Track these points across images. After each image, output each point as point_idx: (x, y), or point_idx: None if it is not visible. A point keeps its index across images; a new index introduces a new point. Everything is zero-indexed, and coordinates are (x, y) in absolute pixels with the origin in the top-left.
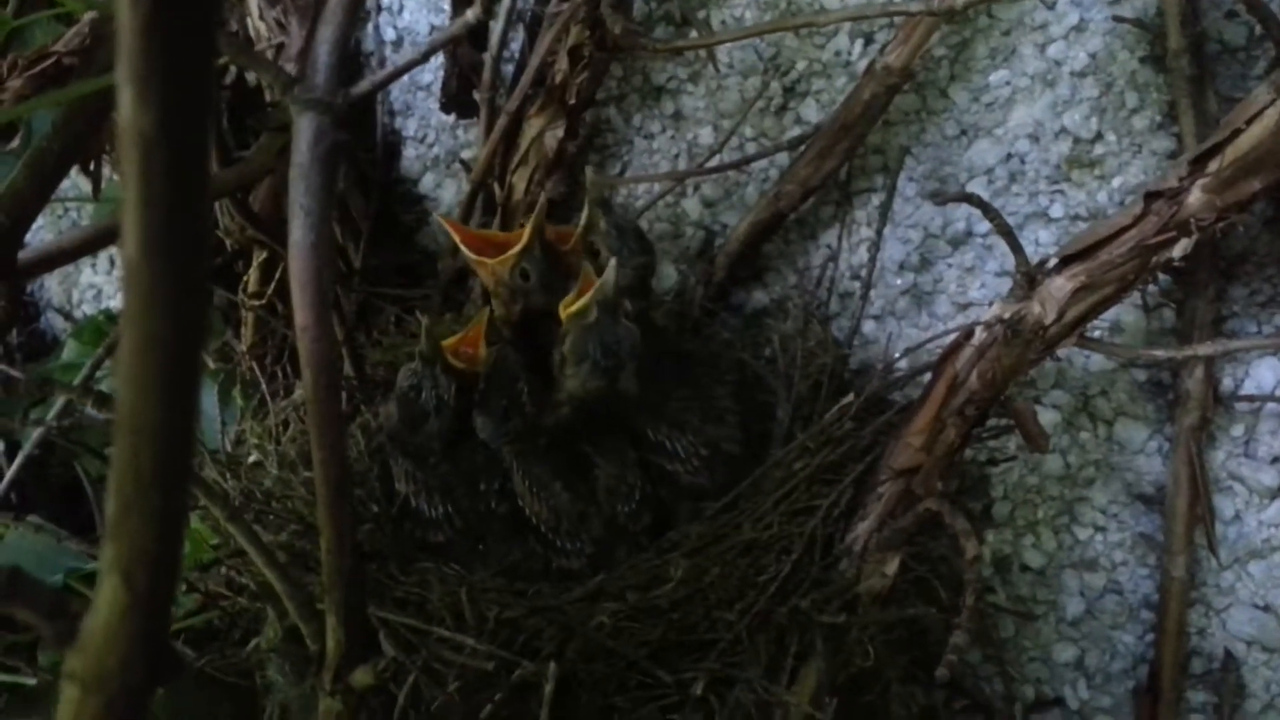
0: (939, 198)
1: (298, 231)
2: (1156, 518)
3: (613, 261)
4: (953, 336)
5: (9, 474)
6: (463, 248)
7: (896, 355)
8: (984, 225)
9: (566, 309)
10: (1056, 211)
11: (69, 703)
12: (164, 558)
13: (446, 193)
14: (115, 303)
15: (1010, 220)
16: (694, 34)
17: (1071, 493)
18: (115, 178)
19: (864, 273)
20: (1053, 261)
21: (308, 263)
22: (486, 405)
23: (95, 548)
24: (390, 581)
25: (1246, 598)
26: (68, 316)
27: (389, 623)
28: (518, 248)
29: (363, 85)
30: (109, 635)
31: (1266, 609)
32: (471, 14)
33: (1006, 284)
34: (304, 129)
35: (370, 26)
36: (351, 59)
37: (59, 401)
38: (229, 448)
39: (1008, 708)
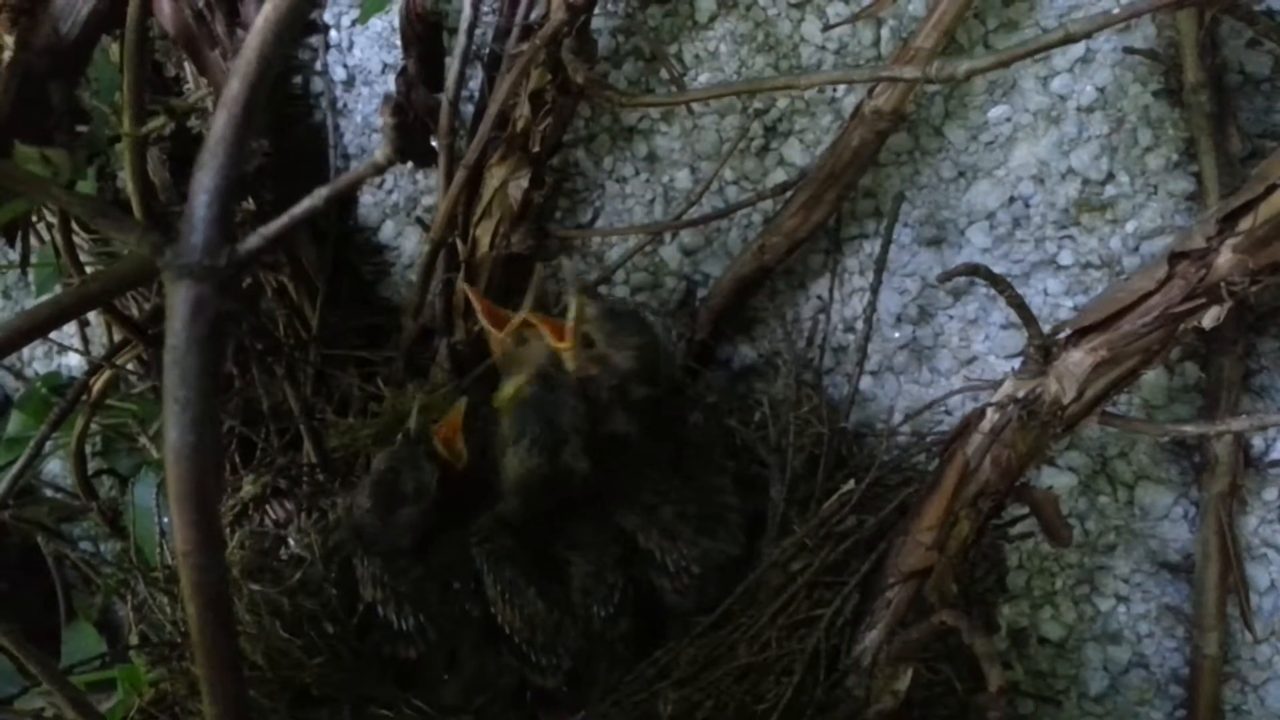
0: (943, 275)
1: (174, 432)
2: (1183, 587)
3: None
4: (958, 399)
5: None
6: (482, 319)
7: (898, 421)
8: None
9: (502, 395)
10: (1065, 259)
11: None
12: None
13: (408, 242)
14: (66, 360)
15: (1015, 268)
16: (664, 74)
17: (1091, 561)
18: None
19: (858, 325)
20: (1068, 331)
21: (188, 470)
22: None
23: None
24: None
25: None
26: (18, 375)
27: None
28: (516, 320)
29: (252, 241)
30: None
31: None
32: (380, 155)
33: (1013, 337)
34: (179, 302)
35: (319, 64)
36: (299, 99)
37: (6, 480)
38: (169, 559)
39: None
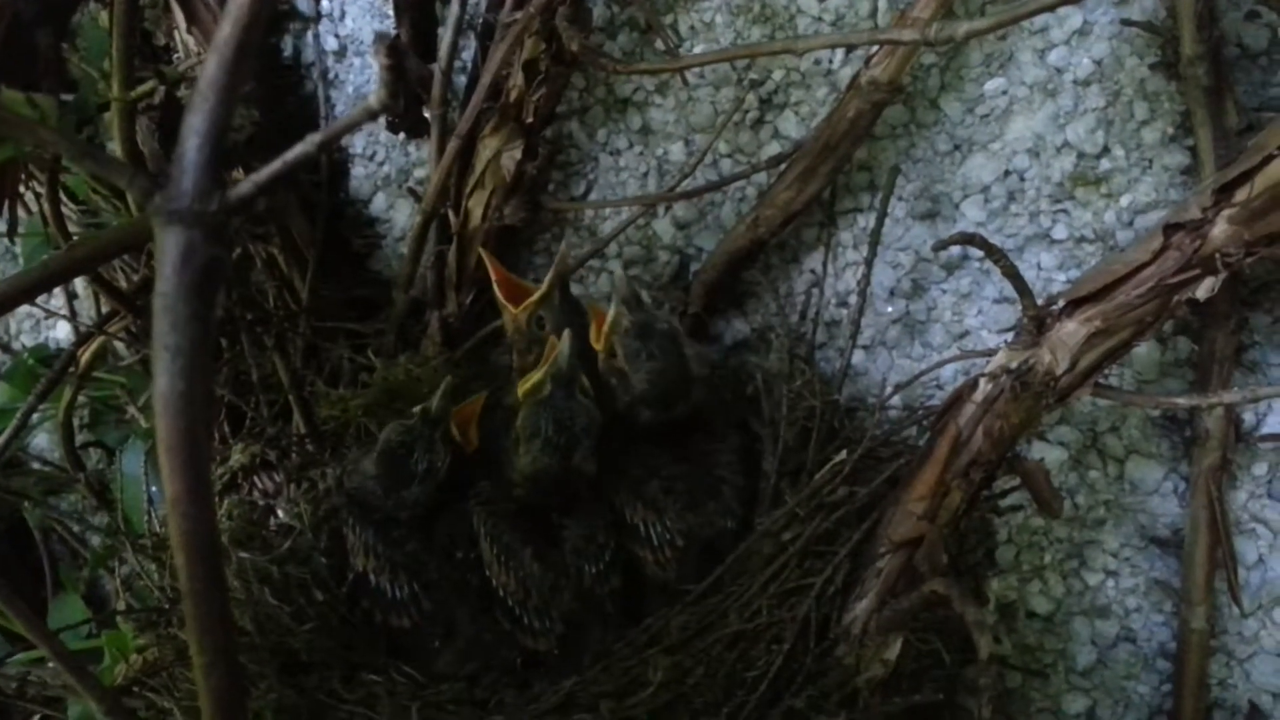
0: (938, 244)
1: (164, 378)
2: (1172, 562)
3: (567, 333)
4: (950, 373)
5: None
6: (496, 289)
7: (889, 391)
8: None
9: (523, 386)
10: (1060, 233)
11: None
12: None
13: (400, 214)
14: (54, 333)
15: (1009, 242)
16: (659, 44)
17: (1080, 535)
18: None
19: (851, 300)
20: (1062, 303)
21: (177, 418)
22: None
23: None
24: (331, 700)
25: (1271, 646)
26: (5, 348)
27: None
28: (536, 296)
29: (243, 187)
30: None
31: None
32: (375, 99)
33: (1005, 311)
34: (168, 248)
35: (310, 34)
36: (290, 70)
37: None
38: (158, 528)
39: None
